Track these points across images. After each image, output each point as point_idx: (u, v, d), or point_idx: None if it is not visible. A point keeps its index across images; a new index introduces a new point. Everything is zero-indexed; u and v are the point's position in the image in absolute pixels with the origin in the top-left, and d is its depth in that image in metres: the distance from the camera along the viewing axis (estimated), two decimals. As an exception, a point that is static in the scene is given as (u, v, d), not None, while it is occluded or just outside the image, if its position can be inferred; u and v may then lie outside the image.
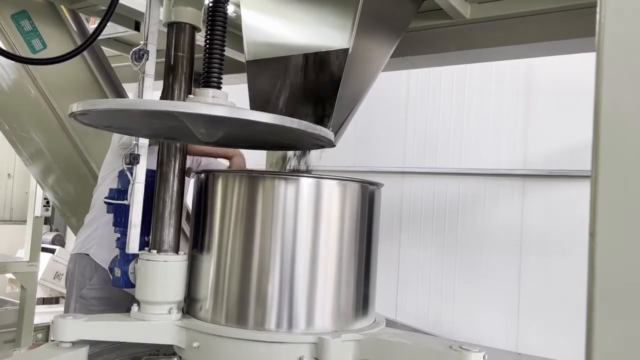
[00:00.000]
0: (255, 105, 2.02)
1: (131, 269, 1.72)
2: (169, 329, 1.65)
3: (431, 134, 5.23)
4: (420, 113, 5.29)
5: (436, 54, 2.97)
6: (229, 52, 2.75)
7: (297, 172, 1.98)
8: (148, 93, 1.66)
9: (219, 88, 1.59)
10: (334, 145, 1.72)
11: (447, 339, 1.89)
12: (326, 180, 1.66)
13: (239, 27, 2.19)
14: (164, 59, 1.74)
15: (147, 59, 1.67)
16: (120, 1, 1.65)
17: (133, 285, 1.71)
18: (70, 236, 8.12)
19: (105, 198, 1.82)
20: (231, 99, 1.57)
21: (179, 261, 1.70)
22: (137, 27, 3.32)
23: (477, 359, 1.46)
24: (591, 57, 1.00)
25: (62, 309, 3.04)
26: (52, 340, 1.63)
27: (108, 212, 1.82)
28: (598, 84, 0.92)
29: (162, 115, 1.39)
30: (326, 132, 1.51)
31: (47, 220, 8.14)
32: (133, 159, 1.67)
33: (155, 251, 1.69)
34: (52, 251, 7.43)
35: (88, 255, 2.56)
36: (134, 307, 1.68)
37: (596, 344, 0.88)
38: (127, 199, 1.71)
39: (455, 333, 4.78)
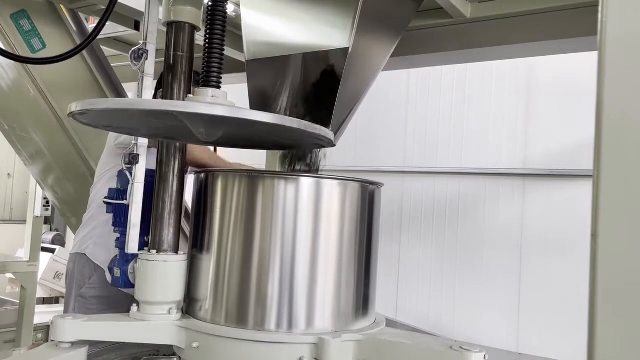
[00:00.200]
0: (255, 104, 2.01)
1: (130, 269, 1.72)
2: (168, 329, 1.64)
3: (431, 133, 5.23)
4: (420, 112, 5.29)
5: (436, 53, 2.97)
6: (229, 52, 2.75)
7: (297, 172, 1.98)
8: (147, 93, 1.66)
9: (219, 87, 1.59)
10: (334, 145, 1.71)
11: (447, 339, 1.88)
12: (326, 180, 1.66)
13: (238, 26, 2.19)
14: (163, 59, 1.74)
15: (147, 59, 1.66)
16: (119, 0, 1.64)
17: (132, 286, 1.70)
18: (70, 236, 8.12)
19: (105, 198, 1.81)
20: (231, 98, 1.56)
21: (179, 261, 1.69)
22: (136, 27, 3.31)
23: (478, 359, 1.45)
24: (592, 56, 0.99)
25: (62, 308, 3.04)
26: (52, 341, 1.62)
27: (107, 212, 1.81)
28: (600, 83, 0.91)
29: (162, 115, 1.39)
30: (326, 132, 1.51)
31: (47, 220, 8.14)
32: (132, 159, 1.67)
33: (154, 251, 1.68)
34: (52, 251, 7.43)
35: (85, 254, 2.56)
36: (134, 308, 1.67)
37: (598, 344, 0.88)
38: (126, 199, 1.71)
39: (455, 333, 4.77)
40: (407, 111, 5.35)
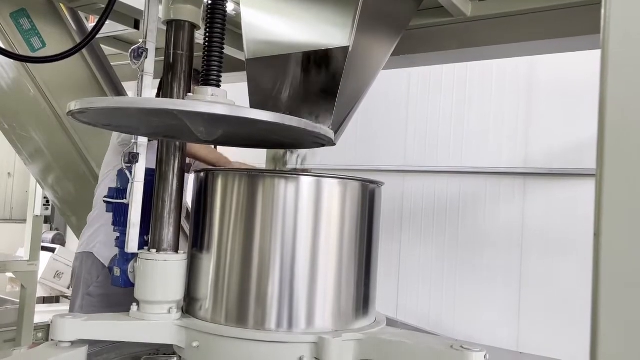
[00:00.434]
0: (255, 103, 2.01)
1: (130, 269, 1.71)
2: (168, 329, 1.64)
3: (432, 132, 5.22)
4: (421, 111, 5.28)
5: (437, 52, 2.96)
6: (229, 50, 2.74)
7: (297, 171, 1.97)
8: (147, 91, 1.65)
9: (219, 86, 1.58)
10: (334, 144, 1.71)
11: (448, 339, 1.88)
12: (326, 179, 1.65)
13: (238, 25, 2.18)
14: (163, 57, 1.73)
15: (146, 57, 1.66)
16: (119, -1, 1.64)
17: (132, 285, 1.70)
18: (70, 235, 8.13)
19: (105, 197, 1.81)
20: (231, 97, 1.56)
21: (179, 260, 1.69)
22: (136, 25, 3.31)
23: (478, 358, 1.45)
24: (593, 54, 0.99)
25: (62, 308, 3.04)
26: (52, 340, 1.62)
27: (107, 211, 1.81)
28: (603, 81, 0.91)
29: (161, 114, 1.38)
30: (326, 131, 1.50)
31: (47, 219, 8.15)
32: (132, 158, 1.66)
33: (154, 250, 1.68)
34: (52, 250, 7.44)
35: (93, 253, 2.57)
36: (134, 307, 1.67)
37: (601, 342, 0.87)
38: (126, 198, 1.70)
39: (456, 332, 4.77)
40: (408, 110, 5.34)
